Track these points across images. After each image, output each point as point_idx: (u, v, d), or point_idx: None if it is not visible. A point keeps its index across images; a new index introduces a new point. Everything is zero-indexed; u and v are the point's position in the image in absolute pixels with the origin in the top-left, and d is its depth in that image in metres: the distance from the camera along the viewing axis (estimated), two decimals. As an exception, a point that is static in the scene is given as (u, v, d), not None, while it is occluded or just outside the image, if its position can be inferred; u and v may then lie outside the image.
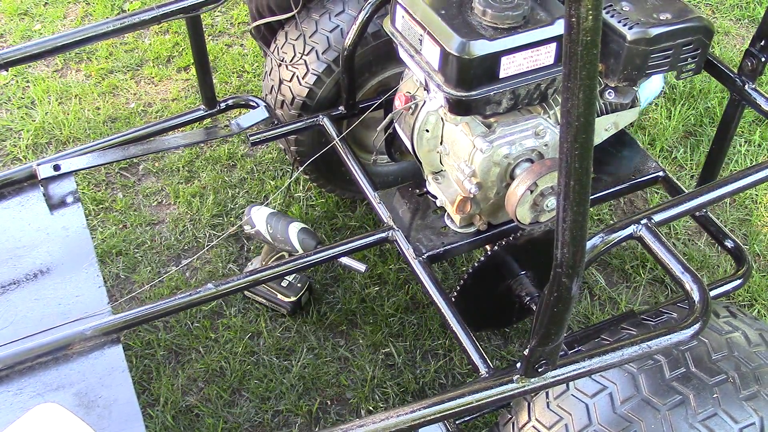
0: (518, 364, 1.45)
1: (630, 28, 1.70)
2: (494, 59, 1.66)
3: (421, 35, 1.74)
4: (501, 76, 1.69)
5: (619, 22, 1.72)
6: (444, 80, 1.71)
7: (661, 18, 1.73)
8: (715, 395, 1.45)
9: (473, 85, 1.68)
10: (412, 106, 1.91)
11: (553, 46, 1.71)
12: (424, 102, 1.88)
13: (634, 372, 1.50)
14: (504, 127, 1.82)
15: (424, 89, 1.86)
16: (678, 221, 2.77)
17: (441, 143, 1.93)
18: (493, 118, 1.82)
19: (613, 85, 1.82)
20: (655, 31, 1.70)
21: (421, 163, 1.99)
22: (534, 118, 1.84)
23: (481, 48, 1.64)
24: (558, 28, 1.70)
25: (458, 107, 1.72)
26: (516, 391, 1.45)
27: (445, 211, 2.00)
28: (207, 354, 2.40)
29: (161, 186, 2.92)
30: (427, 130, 1.91)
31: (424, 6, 1.74)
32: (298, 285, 2.45)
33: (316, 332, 2.46)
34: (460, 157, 1.87)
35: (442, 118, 1.90)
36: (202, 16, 2.10)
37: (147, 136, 2.25)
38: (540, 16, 1.71)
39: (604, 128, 1.97)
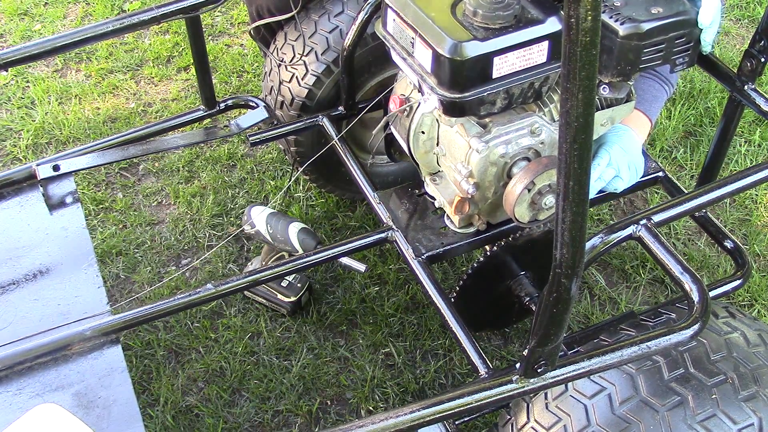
0: (517, 365, 1.45)
1: (622, 24, 1.69)
2: (487, 60, 1.65)
3: (412, 38, 1.74)
4: (494, 76, 1.68)
5: (611, 17, 1.71)
6: (437, 82, 1.69)
7: (653, 12, 1.71)
8: (713, 396, 1.45)
9: (467, 87, 1.67)
10: (407, 109, 1.91)
11: (546, 44, 1.70)
12: (419, 104, 1.88)
13: (633, 373, 1.50)
14: (499, 127, 1.81)
15: (418, 91, 1.86)
16: (678, 221, 2.77)
17: (437, 144, 1.93)
18: (488, 118, 1.81)
19: (606, 81, 1.82)
20: (647, 26, 1.68)
21: (418, 164, 1.99)
22: (529, 116, 1.83)
23: (473, 49, 1.63)
24: (550, 25, 1.68)
25: (452, 109, 1.71)
26: (515, 392, 1.45)
27: (445, 211, 2.00)
28: (207, 354, 2.40)
29: (161, 186, 2.92)
30: (423, 132, 1.91)
31: (414, 8, 1.72)
32: (298, 285, 2.45)
33: (316, 332, 2.46)
34: (457, 158, 1.86)
35: (437, 120, 1.89)
36: (202, 16, 2.10)
37: (147, 136, 2.25)
38: (531, 14, 1.70)
39: (600, 124, 1.97)
